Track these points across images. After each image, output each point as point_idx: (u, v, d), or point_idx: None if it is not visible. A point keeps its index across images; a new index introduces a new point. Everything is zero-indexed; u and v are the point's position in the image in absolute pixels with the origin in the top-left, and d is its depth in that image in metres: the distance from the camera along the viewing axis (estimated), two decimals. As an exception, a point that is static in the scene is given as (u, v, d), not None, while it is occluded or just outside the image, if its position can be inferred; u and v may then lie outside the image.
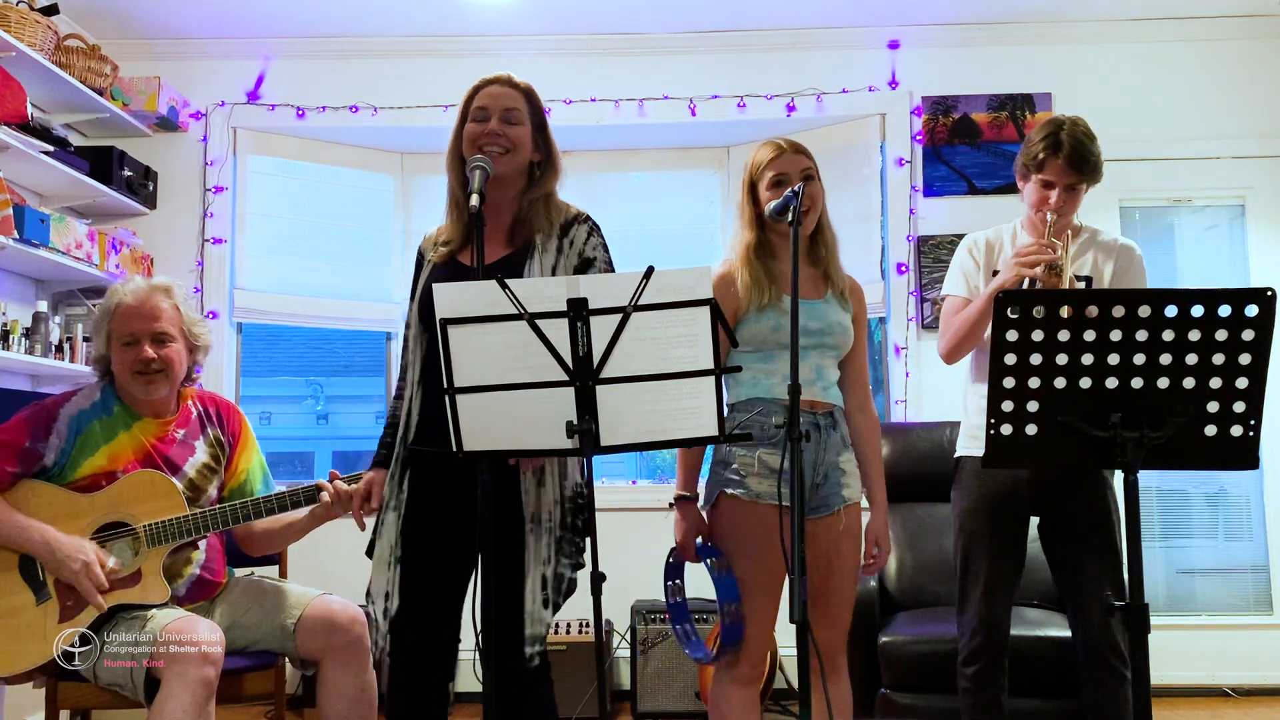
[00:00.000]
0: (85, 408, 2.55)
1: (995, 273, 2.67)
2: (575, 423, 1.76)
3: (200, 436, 2.63)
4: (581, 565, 2.18)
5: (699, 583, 3.82)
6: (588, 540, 2.13)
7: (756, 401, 2.31)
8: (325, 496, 2.48)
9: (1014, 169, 2.74)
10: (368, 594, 2.21)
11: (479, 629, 1.94)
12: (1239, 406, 1.75)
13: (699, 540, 2.34)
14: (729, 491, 2.29)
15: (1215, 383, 1.74)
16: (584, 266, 2.25)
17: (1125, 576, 1.99)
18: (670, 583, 2.44)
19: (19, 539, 2.39)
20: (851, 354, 2.43)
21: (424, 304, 2.15)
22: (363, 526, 2.32)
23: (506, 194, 2.23)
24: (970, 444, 2.70)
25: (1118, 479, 2.63)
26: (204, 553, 2.59)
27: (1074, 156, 2.54)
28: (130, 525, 2.45)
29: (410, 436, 2.20)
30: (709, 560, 2.31)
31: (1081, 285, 2.59)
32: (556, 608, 2.13)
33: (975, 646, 2.61)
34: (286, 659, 2.61)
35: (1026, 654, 2.87)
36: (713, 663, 2.37)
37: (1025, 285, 2.50)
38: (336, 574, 3.18)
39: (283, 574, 2.93)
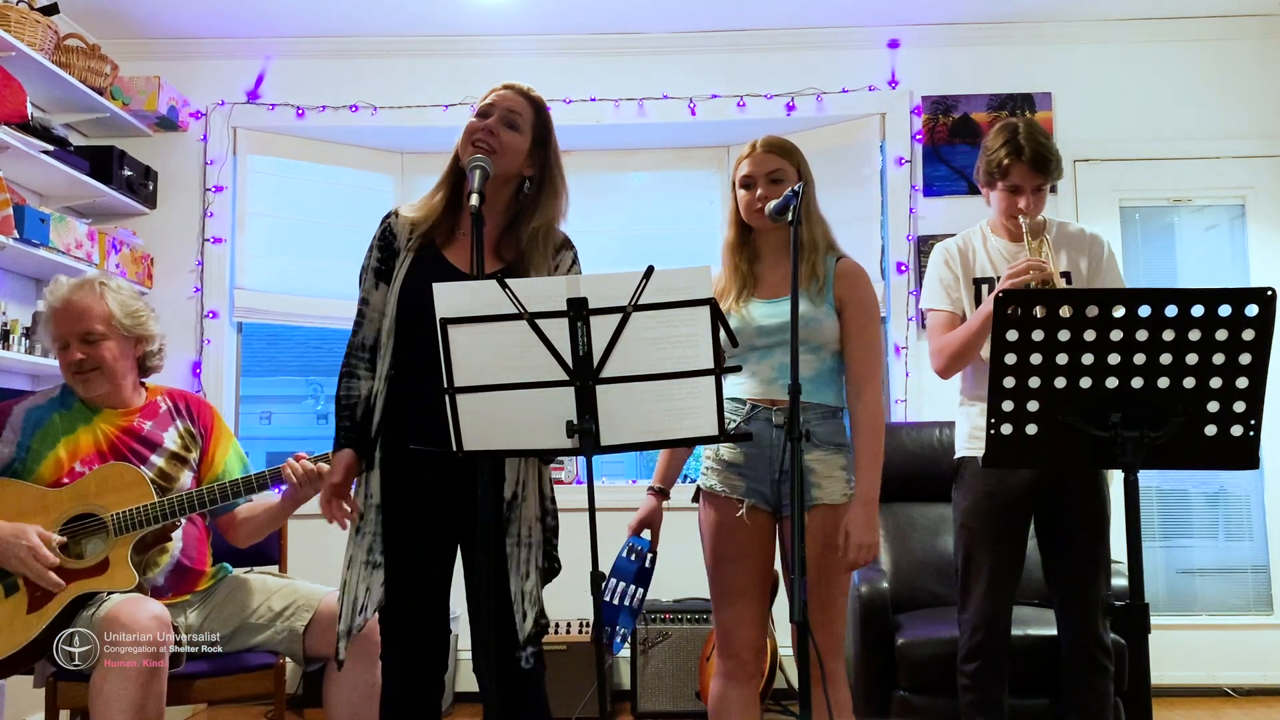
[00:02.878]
0: (41, 403, 2.59)
1: (975, 280, 2.70)
2: (575, 422, 1.76)
3: (170, 427, 2.65)
4: (556, 565, 2.18)
5: (693, 584, 3.83)
6: (588, 540, 2.13)
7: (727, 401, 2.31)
8: (291, 476, 2.48)
9: (975, 177, 2.75)
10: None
11: (472, 631, 1.94)
12: (1239, 406, 1.75)
13: (645, 532, 2.44)
14: (699, 483, 2.40)
15: (1215, 382, 1.74)
16: None
17: (1125, 577, 2.00)
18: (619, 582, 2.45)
19: None
20: (846, 342, 2.36)
21: (406, 298, 2.13)
22: (344, 525, 2.16)
23: (491, 200, 2.12)
24: (972, 445, 2.71)
25: (1115, 478, 2.66)
26: (180, 541, 2.59)
27: (1036, 158, 2.58)
28: (99, 516, 2.46)
29: (378, 431, 2.13)
30: (630, 546, 2.42)
31: (1063, 283, 2.60)
32: (542, 609, 2.12)
33: (975, 644, 2.63)
34: (288, 659, 2.61)
35: (1016, 652, 2.83)
36: (614, 647, 2.41)
37: None
38: (337, 572, 3.17)
39: (283, 572, 2.93)
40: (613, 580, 2.38)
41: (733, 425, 2.30)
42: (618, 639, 2.38)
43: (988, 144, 2.67)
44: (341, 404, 2.19)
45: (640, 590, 2.39)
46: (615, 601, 2.36)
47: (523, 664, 2.07)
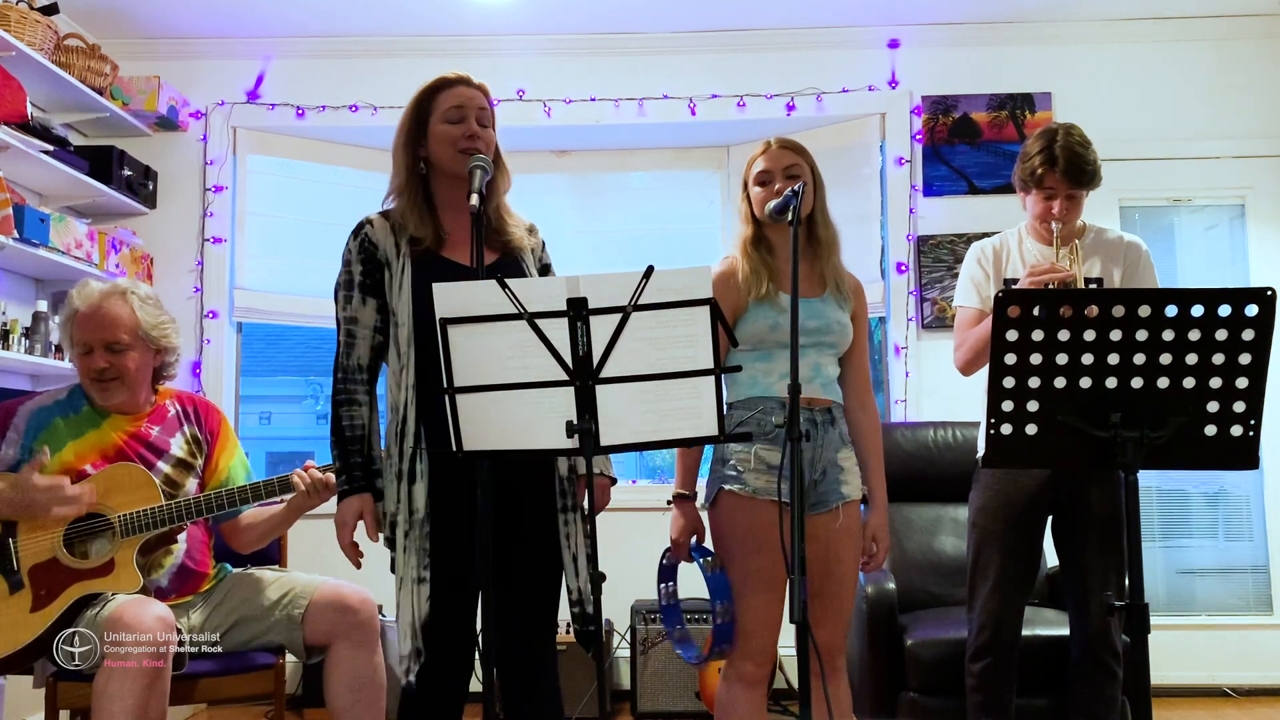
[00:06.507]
0: (47, 405, 2.58)
1: (1005, 280, 2.69)
2: (575, 422, 1.76)
3: (177, 433, 2.65)
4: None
5: (694, 583, 3.83)
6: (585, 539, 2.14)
7: (756, 400, 2.31)
8: (300, 485, 2.48)
9: (1013, 180, 2.75)
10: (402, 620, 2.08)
11: (481, 628, 1.94)
12: (1239, 406, 1.75)
13: (694, 540, 2.35)
14: (727, 487, 2.29)
15: (1215, 382, 1.74)
16: (544, 272, 2.32)
17: (1127, 578, 2.00)
18: (664, 585, 2.44)
19: None
20: (851, 351, 2.42)
21: (422, 303, 2.08)
22: (358, 565, 2.14)
23: (462, 198, 2.13)
24: None
25: None
26: (185, 543, 2.59)
27: (1071, 169, 2.56)
28: (106, 517, 2.46)
29: (414, 443, 2.07)
30: (701, 560, 2.32)
31: (1093, 288, 2.60)
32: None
33: (982, 643, 2.63)
34: (288, 655, 2.61)
35: (1020, 651, 2.85)
36: (703, 663, 2.37)
37: None
38: (338, 570, 3.17)
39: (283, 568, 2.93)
40: (717, 603, 2.28)
41: (773, 428, 2.26)
42: (724, 646, 2.31)
43: (1026, 149, 2.66)
44: (346, 436, 2.10)
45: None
46: (720, 621, 2.27)
47: (589, 629, 2.12)
